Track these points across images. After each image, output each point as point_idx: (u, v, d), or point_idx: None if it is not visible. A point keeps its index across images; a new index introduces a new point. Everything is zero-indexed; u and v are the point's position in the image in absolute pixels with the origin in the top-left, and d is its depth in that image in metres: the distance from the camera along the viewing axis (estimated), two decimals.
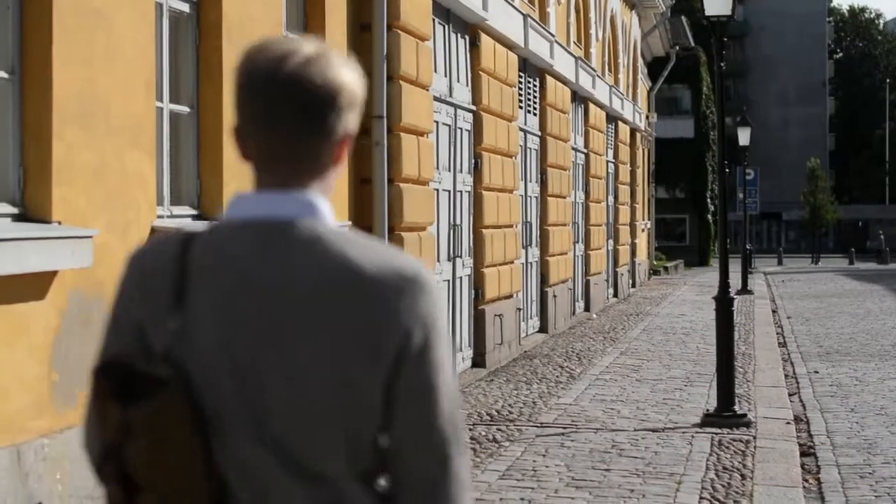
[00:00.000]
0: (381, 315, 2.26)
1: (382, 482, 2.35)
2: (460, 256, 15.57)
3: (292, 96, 2.29)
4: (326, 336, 2.25)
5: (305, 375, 2.25)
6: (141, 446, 2.23)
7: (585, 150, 26.60)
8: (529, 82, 20.48)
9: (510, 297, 17.96)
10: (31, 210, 6.98)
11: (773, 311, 29.01)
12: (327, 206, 2.37)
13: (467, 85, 16.12)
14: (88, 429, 2.37)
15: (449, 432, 2.31)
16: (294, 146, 2.32)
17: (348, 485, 2.30)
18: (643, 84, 41.00)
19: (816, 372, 17.28)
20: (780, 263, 67.86)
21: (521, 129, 19.51)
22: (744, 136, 43.12)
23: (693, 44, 50.70)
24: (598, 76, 27.25)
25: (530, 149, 20.56)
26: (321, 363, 2.25)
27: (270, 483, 2.27)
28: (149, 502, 2.25)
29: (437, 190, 14.50)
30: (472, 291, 16.23)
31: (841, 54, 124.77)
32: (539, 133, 21.24)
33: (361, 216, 12.28)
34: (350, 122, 2.37)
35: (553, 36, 21.28)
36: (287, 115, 2.30)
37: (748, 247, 40.75)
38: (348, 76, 2.35)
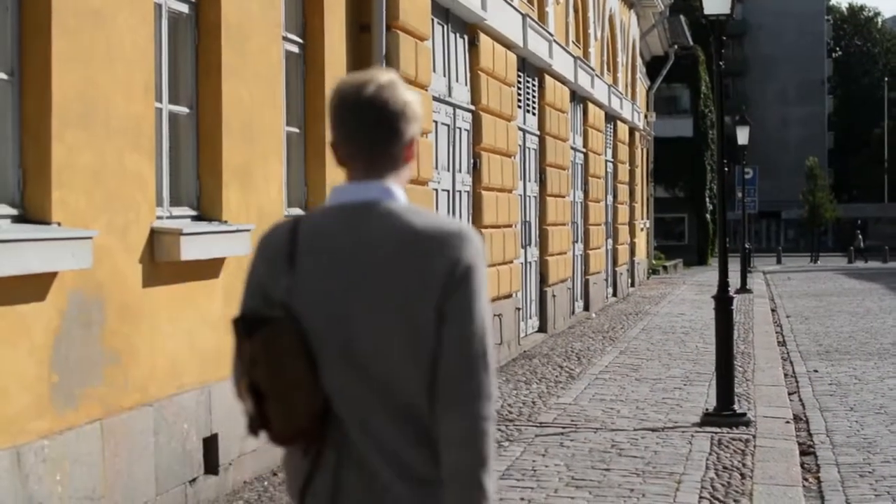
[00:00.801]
0: (431, 260, 3.07)
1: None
2: None
3: (370, 113, 3.15)
4: (395, 278, 3.08)
5: (381, 307, 3.08)
6: (262, 366, 3.07)
7: (584, 150, 26.60)
8: (528, 82, 20.48)
9: (509, 296, 17.96)
10: (31, 211, 6.99)
11: (773, 310, 29.01)
12: (401, 190, 3.20)
13: (466, 85, 16.13)
14: (234, 364, 3.21)
15: (478, 350, 3.07)
16: (374, 148, 3.18)
17: (419, 395, 3.09)
18: (642, 83, 40.99)
19: (816, 371, 17.28)
20: (779, 262, 67.85)
21: (520, 129, 19.52)
22: (742, 135, 43.07)
23: (692, 43, 50.69)
24: (597, 75, 27.25)
25: (529, 148, 20.57)
26: (391, 297, 3.08)
27: (360, 397, 3.10)
28: (272, 409, 3.08)
29: (436, 190, 14.50)
30: None
31: (840, 53, 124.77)
32: (538, 132, 21.24)
33: None
34: (413, 130, 3.22)
35: (552, 35, 21.28)
36: (367, 127, 3.16)
37: (747, 246, 40.75)
38: (411, 96, 3.21)
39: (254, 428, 3.14)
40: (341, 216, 3.16)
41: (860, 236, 78.29)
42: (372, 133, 3.16)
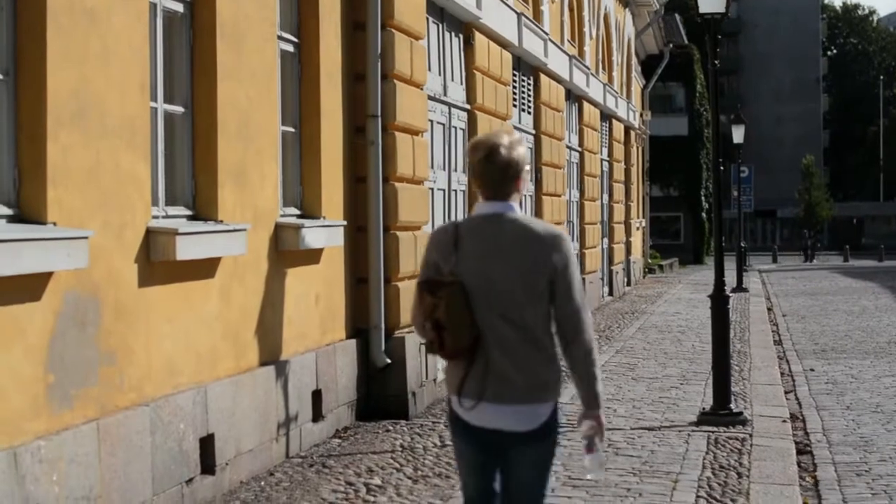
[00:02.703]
0: (545, 250, 5.17)
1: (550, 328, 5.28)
2: None
3: (498, 163, 5.22)
4: (521, 260, 5.16)
5: (510, 274, 5.15)
6: (442, 310, 5.14)
7: (580, 149, 26.60)
8: (523, 81, 20.47)
9: None
10: (27, 211, 6.97)
11: (769, 309, 29.02)
12: (517, 205, 5.28)
13: (461, 83, 16.11)
14: (414, 312, 5.32)
15: (578, 302, 5.21)
16: (499, 183, 5.24)
17: (536, 330, 5.19)
18: (637, 82, 41.00)
19: (812, 370, 17.28)
20: (774, 261, 67.86)
21: (516, 128, 19.49)
22: (738, 134, 43.06)
23: (687, 41, 50.71)
24: (592, 74, 27.25)
25: None
26: (516, 269, 5.16)
27: (499, 329, 5.15)
28: (447, 335, 5.15)
29: (432, 189, 14.49)
30: None
31: (835, 51, 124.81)
32: (533, 131, 21.23)
33: (357, 214, 12.26)
34: (521, 170, 5.27)
35: (547, 34, 21.27)
36: (496, 172, 5.23)
37: (742, 244, 40.72)
38: (521, 151, 5.28)
39: (433, 349, 5.27)
40: (484, 220, 5.27)
41: (807, 235, 78.71)
42: (497, 177, 5.24)
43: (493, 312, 5.15)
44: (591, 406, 5.30)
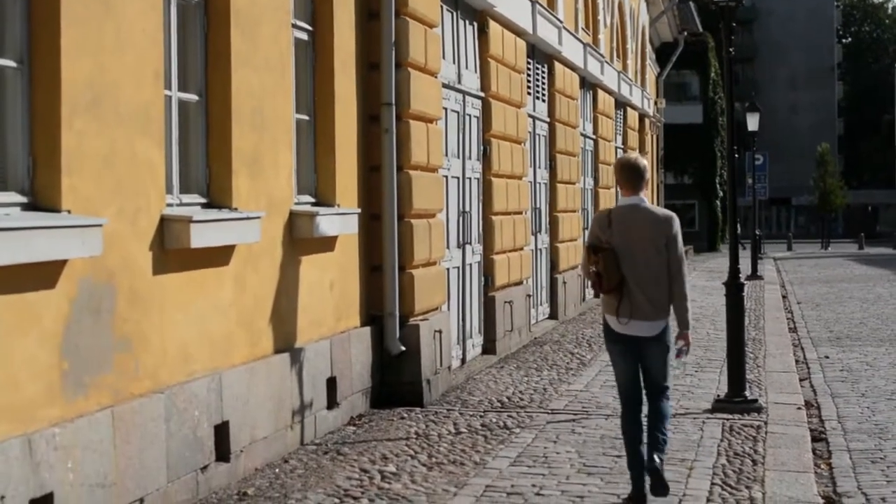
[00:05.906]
0: (664, 227, 8.44)
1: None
2: (470, 243, 15.54)
3: (635, 169, 8.51)
4: (649, 232, 8.41)
5: (644, 243, 8.40)
6: (601, 264, 8.35)
7: (594, 137, 26.57)
8: (538, 69, 20.44)
9: (520, 283, 17.93)
10: (41, 199, 6.98)
11: (783, 297, 28.98)
12: (647, 197, 8.58)
13: (476, 72, 16.09)
14: (583, 263, 8.68)
15: (681, 260, 8.48)
16: (635, 184, 8.51)
17: (659, 274, 8.42)
18: (651, 70, 40.91)
19: (827, 357, 17.26)
20: (789, 249, 67.73)
21: (530, 116, 19.48)
22: (752, 122, 42.96)
23: (701, 29, 50.56)
24: (607, 62, 27.20)
25: (539, 135, 20.53)
26: (648, 239, 8.40)
27: (635, 275, 8.38)
28: (603, 280, 8.36)
29: (447, 177, 14.47)
30: (482, 278, 16.21)
31: (849, 39, 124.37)
32: (548, 119, 21.20)
33: (371, 202, 12.26)
34: (646, 173, 8.56)
35: (561, 22, 21.23)
36: (633, 175, 8.51)
37: (757, 232, 40.65)
38: (645, 163, 8.59)
39: (595, 289, 8.48)
40: (627, 208, 8.39)
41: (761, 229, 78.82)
42: (635, 179, 8.42)
43: (633, 264, 8.28)
44: (683, 327, 8.40)
